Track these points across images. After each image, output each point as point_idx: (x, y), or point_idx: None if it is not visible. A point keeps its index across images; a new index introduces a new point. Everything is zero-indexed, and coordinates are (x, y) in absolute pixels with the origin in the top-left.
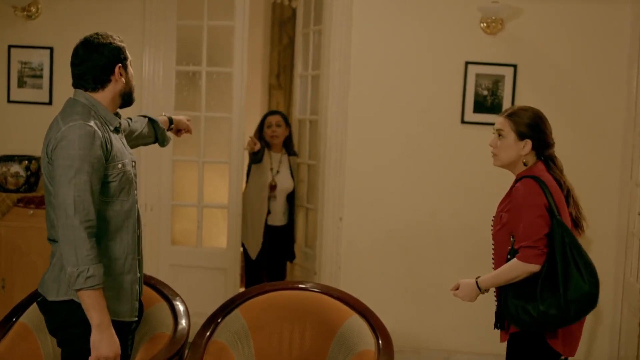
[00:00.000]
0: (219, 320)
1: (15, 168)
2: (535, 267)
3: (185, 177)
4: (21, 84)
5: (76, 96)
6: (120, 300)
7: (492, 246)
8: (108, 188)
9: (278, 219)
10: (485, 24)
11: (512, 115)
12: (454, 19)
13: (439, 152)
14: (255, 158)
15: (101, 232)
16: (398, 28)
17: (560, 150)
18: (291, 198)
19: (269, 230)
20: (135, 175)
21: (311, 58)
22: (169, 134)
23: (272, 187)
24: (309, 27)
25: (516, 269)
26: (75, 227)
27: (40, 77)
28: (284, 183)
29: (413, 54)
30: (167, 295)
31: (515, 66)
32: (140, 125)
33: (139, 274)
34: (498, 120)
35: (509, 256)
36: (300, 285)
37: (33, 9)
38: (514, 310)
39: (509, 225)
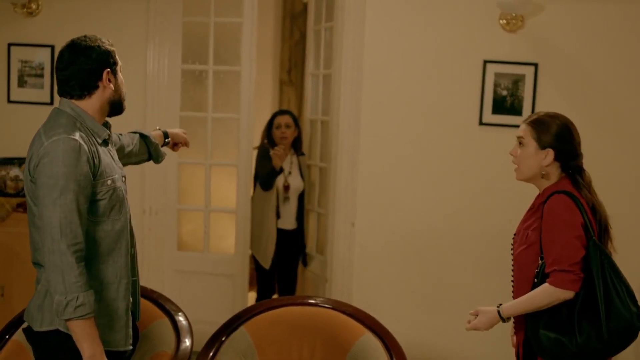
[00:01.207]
0: (223, 339)
1: (14, 171)
2: (569, 294)
3: (191, 180)
4: (21, 83)
5: (61, 106)
6: (114, 329)
7: (512, 268)
8: (97, 207)
9: (289, 222)
10: (504, 21)
11: (536, 123)
12: (472, 15)
13: (455, 155)
14: (274, 175)
15: (91, 255)
16: (413, 25)
17: (585, 153)
18: (301, 199)
19: (279, 234)
20: (126, 191)
21: (322, 56)
22: (165, 149)
23: (286, 188)
24: (320, 23)
25: (549, 295)
26: (62, 252)
27: (41, 76)
28: (296, 184)
29: (429, 52)
30: (169, 310)
31: (536, 65)
32: (131, 141)
33: (136, 297)
34: (521, 126)
35: (536, 280)
36: (310, 301)
37: (33, 6)
38: (547, 343)
39: (536, 245)
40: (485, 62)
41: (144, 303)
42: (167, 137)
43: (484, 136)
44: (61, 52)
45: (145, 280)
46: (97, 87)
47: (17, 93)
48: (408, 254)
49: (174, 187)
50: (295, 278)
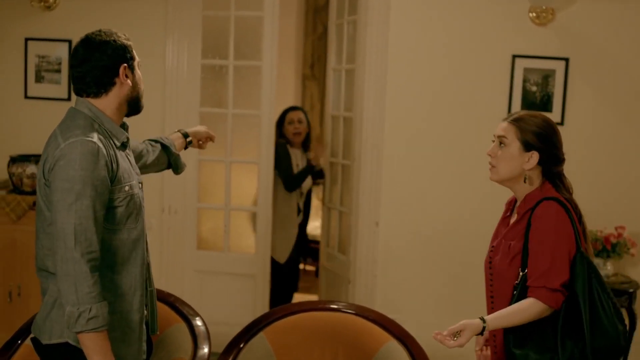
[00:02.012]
0: (241, 345)
1: (31, 169)
2: (549, 311)
3: (211, 178)
4: (39, 79)
5: (78, 106)
6: (127, 342)
7: (490, 282)
8: (113, 214)
9: (300, 217)
10: (534, 14)
11: (519, 121)
12: (500, 8)
13: (483, 153)
14: (306, 174)
15: (105, 265)
16: (439, 18)
17: (617, 150)
18: (309, 195)
19: None
20: (143, 198)
21: (345, 50)
22: (190, 150)
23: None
24: (343, 17)
25: (534, 309)
26: (75, 261)
27: (59, 71)
28: (308, 180)
29: (455, 47)
30: (185, 314)
31: (567, 60)
32: (152, 151)
33: (152, 308)
34: (501, 125)
35: (515, 292)
36: (331, 306)
37: (50, 0)
38: None
39: (520, 256)
40: (514, 56)
41: (160, 307)
42: (188, 137)
43: None
44: (75, 48)
45: (165, 280)
46: (114, 83)
47: (35, 89)
48: (433, 254)
49: (193, 185)
50: (298, 272)
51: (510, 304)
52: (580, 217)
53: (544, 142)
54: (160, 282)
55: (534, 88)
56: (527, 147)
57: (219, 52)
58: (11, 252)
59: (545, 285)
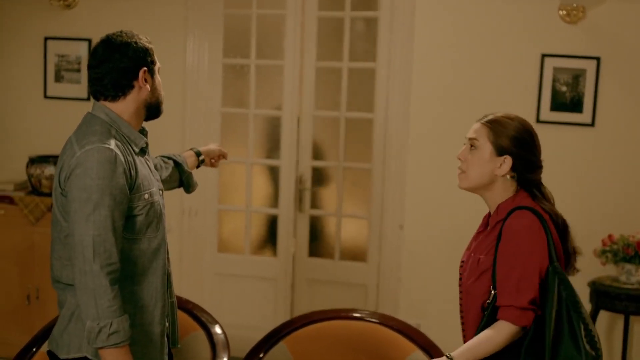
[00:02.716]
0: (261, 355)
1: (50, 170)
2: (520, 332)
3: (232, 179)
4: (58, 78)
5: (94, 111)
6: (148, 356)
7: (460, 302)
8: (133, 223)
9: None
10: (564, 12)
11: (493, 123)
12: (529, 6)
13: None
14: None
15: (125, 276)
16: (466, 16)
17: None
18: None
19: None
20: (163, 205)
21: (361, 48)
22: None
23: None
24: (358, 11)
25: (505, 332)
26: (95, 274)
27: (78, 71)
28: None
29: (483, 45)
30: (204, 322)
31: (598, 59)
32: (165, 167)
33: (173, 320)
34: (473, 126)
35: (485, 312)
36: (354, 315)
37: None
38: None
39: (489, 272)
40: (544, 55)
41: (178, 314)
42: (201, 156)
43: (541, 134)
44: (95, 49)
45: (185, 283)
46: (132, 87)
47: (54, 88)
48: (459, 258)
49: (214, 186)
50: None
51: (479, 325)
52: (564, 229)
53: (519, 147)
54: (180, 286)
55: (564, 88)
56: (500, 151)
57: (240, 51)
58: (29, 254)
59: (513, 303)
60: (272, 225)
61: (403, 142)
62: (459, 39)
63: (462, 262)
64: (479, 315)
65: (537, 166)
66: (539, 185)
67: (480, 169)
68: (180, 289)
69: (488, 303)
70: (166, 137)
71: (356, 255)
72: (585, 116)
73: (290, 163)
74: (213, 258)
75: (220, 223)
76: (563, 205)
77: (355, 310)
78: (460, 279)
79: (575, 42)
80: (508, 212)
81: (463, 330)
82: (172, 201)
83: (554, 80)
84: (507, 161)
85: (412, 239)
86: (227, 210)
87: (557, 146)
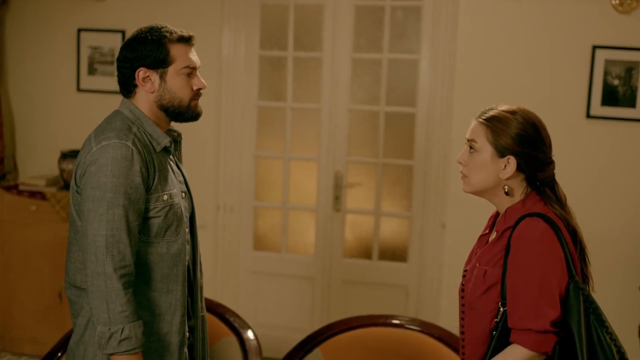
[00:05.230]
0: None
1: None
2: (540, 358)
3: (269, 175)
4: (92, 71)
5: (120, 107)
6: None
7: (462, 314)
8: (150, 225)
9: None
10: (617, 1)
11: (491, 121)
12: None
13: (560, 151)
14: None
15: (142, 281)
16: (512, 6)
17: None
18: None
19: None
20: (186, 208)
21: (403, 39)
22: None
23: None
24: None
25: (519, 358)
26: (107, 276)
27: (112, 63)
28: None
29: (530, 36)
30: (237, 327)
31: None
32: None
33: (203, 337)
34: (471, 125)
35: (494, 333)
36: (393, 321)
37: None
38: None
39: (498, 286)
40: (595, 47)
41: (209, 318)
42: None
43: (592, 130)
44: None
45: (220, 281)
46: (135, 86)
47: (87, 81)
48: None
49: (250, 182)
50: None
51: (488, 348)
52: (575, 235)
53: (523, 145)
54: (215, 284)
55: (616, 82)
56: (502, 151)
57: (277, 42)
58: (61, 251)
59: (531, 327)
60: (308, 222)
61: (446, 138)
62: (504, 29)
63: (465, 271)
64: (483, 335)
65: (547, 162)
66: (552, 182)
67: (481, 173)
68: (215, 287)
69: (496, 322)
70: (201, 131)
71: (395, 255)
72: (638, 111)
73: (327, 159)
74: (249, 255)
75: (255, 220)
76: (613, 205)
77: (395, 317)
78: (462, 289)
79: (629, 33)
80: (517, 220)
81: (462, 347)
82: (207, 197)
83: (606, 74)
84: (511, 162)
85: (454, 239)
86: (263, 207)
87: (608, 143)
